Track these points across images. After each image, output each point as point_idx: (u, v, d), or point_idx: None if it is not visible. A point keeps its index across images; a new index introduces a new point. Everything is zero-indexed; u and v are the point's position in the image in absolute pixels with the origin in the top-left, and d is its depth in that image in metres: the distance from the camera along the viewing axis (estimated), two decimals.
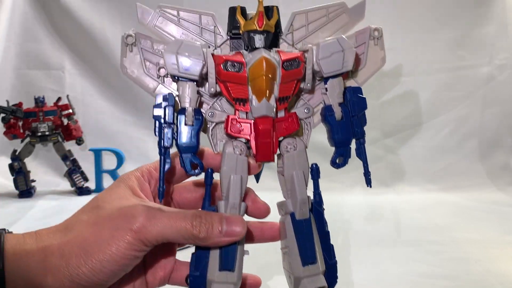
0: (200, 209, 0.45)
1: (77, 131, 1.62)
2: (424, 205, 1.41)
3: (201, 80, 0.46)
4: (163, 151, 0.44)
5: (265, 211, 0.49)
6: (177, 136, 0.44)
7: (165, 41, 0.46)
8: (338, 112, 0.46)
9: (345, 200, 1.44)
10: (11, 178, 1.56)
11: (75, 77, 1.82)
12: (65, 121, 1.61)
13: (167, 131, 0.44)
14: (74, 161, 1.61)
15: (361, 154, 0.47)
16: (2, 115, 1.54)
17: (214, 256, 0.44)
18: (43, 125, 1.56)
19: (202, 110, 0.46)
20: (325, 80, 0.47)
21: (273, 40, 0.46)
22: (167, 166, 0.44)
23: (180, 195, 0.53)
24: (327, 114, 0.47)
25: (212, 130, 0.47)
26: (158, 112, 0.44)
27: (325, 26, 0.48)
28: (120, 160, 1.65)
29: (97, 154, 1.64)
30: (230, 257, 0.44)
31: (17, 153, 1.57)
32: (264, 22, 0.44)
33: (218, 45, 0.47)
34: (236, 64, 0.44)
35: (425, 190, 1.57)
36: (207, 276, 0.44)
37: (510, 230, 1.15)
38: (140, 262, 0.44)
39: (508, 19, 1.69)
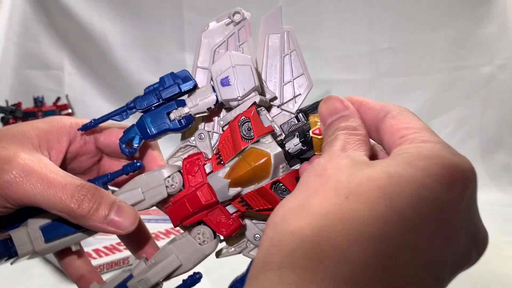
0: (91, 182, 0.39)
1: None
2: None
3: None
4: (129, 110, 0.41)
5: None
6: (150, 116, 0.40)
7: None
8: None
9: None
10: None
11: (75, 77, 1.81)
12: None
13: (151, 100, 0.40)
14: None
15: None
16: (1, 115, 1.53)
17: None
18: None
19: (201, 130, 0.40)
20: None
21: None
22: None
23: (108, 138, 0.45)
24: None
25: (186, 147, 0.42)
26: (170, 81, 0.39)
27: None
28: None
29: None
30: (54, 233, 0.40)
31: None
32: None
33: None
34: (249, 132, 0.36)
35: None
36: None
37: (511, 231, 1.14)
38: None
39: (509, 18, 1.68)
